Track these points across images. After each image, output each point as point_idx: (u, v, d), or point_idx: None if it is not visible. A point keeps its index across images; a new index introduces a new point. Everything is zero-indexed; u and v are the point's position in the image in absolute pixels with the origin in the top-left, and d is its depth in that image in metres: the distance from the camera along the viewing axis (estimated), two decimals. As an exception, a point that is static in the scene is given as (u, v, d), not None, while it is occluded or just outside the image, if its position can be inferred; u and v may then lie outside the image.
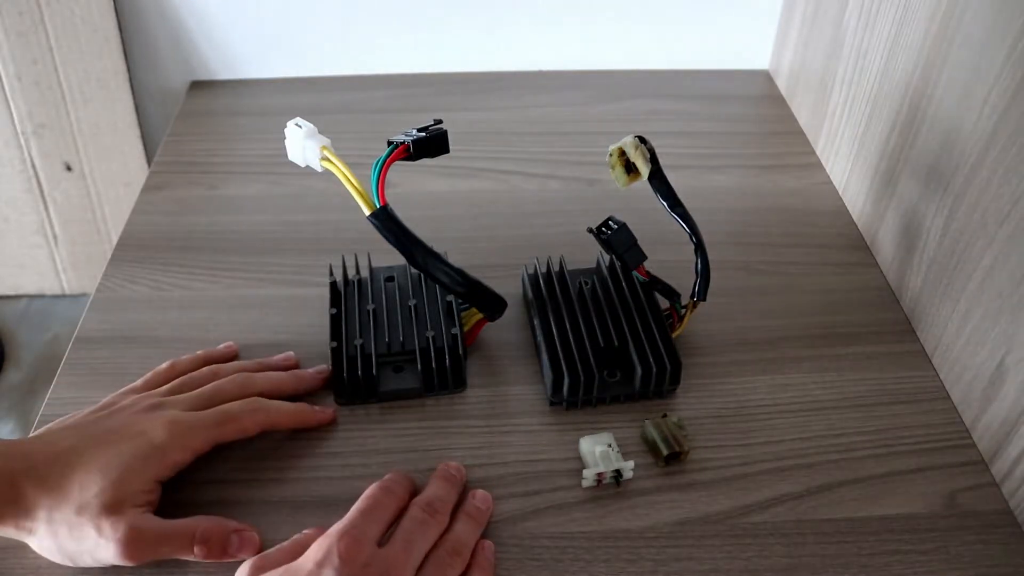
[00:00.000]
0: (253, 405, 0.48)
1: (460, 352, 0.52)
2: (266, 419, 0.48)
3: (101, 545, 0.41)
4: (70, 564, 0.42)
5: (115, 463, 0.42)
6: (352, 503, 0.43)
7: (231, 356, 0.54)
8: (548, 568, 0.44)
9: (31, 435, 0.45)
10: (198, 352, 0.53)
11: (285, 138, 0.48)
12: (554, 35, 0.83)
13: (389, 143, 0.47)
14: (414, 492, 0.46)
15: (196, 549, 0.42)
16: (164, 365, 0.51)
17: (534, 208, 0.68)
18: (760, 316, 0.58)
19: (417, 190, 0.69)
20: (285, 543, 0.42)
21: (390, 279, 0.57)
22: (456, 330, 0.52)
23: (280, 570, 0.39)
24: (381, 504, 0.43)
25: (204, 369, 0.50)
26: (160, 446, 0.44)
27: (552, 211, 0.67)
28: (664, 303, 0.55)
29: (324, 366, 0.53)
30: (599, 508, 0.47)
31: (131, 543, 0.41)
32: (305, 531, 0.43)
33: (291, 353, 0.54)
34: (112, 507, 0.41)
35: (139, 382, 0.50)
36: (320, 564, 0.39)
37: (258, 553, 0.42)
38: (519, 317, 0.57)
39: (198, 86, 0.84)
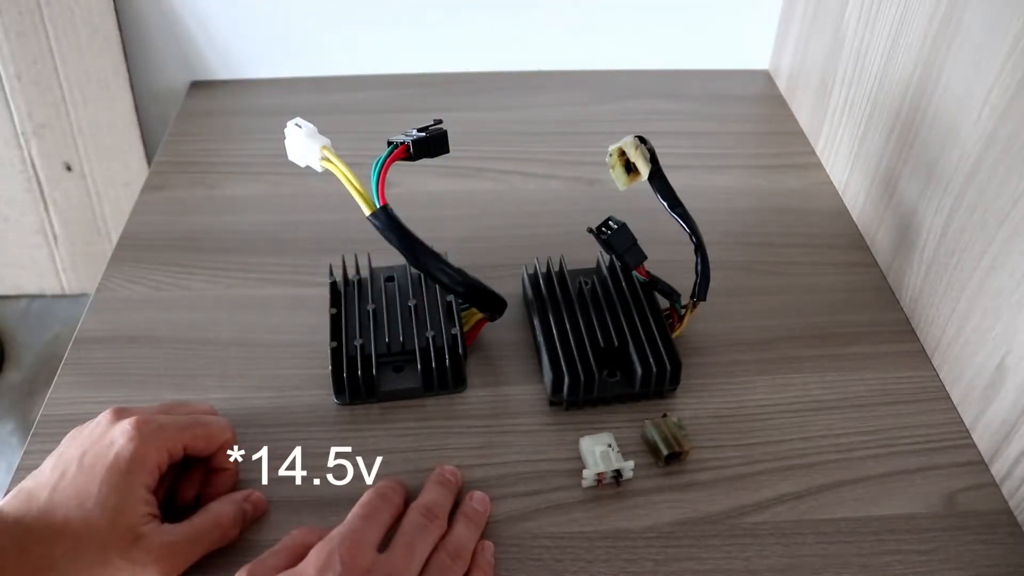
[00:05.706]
0: (221, 420, 0.47)
1: (460, 352, 0.52)
2: (231, 437, 0.46)
3: (138, 573, 0.40)
4: None
5: (103, 490, 0.40)
6: (352, 503, 0.43)
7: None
8: (548, 568, 0.44)
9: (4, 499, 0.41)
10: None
11: (285, 138, 0.48)
12: (554, 35, 0.83)
13: (389, 143, 0.47)
14: (408, 498, 0.46)
15: (232, 534, 0.44)
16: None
17: (534, 208, 0.68)
18: (760, 316, 0.58)
19: (417, 190, 0.69)
20: (276, 546, 0.42)
21: (390, 279, 0.57)
22: (456, 330, 0.52)
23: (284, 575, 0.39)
24: (379, 509, 0.43)
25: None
26: (135, 452, 0.41)
27: (552, 211, 0.67)
28: (664, 303, 0.55)
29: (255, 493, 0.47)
30: (599, 508, 0.47)
31: (168, 558, 0.40)
32: (292, 532, 0.43)
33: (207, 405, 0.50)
34: (129, 533, 0.40)
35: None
36: (322, 570, 0.38)
37: (265, 510, 0.45)
38: (519, 317, 0.57)
39: (198, 86, 0.84)
